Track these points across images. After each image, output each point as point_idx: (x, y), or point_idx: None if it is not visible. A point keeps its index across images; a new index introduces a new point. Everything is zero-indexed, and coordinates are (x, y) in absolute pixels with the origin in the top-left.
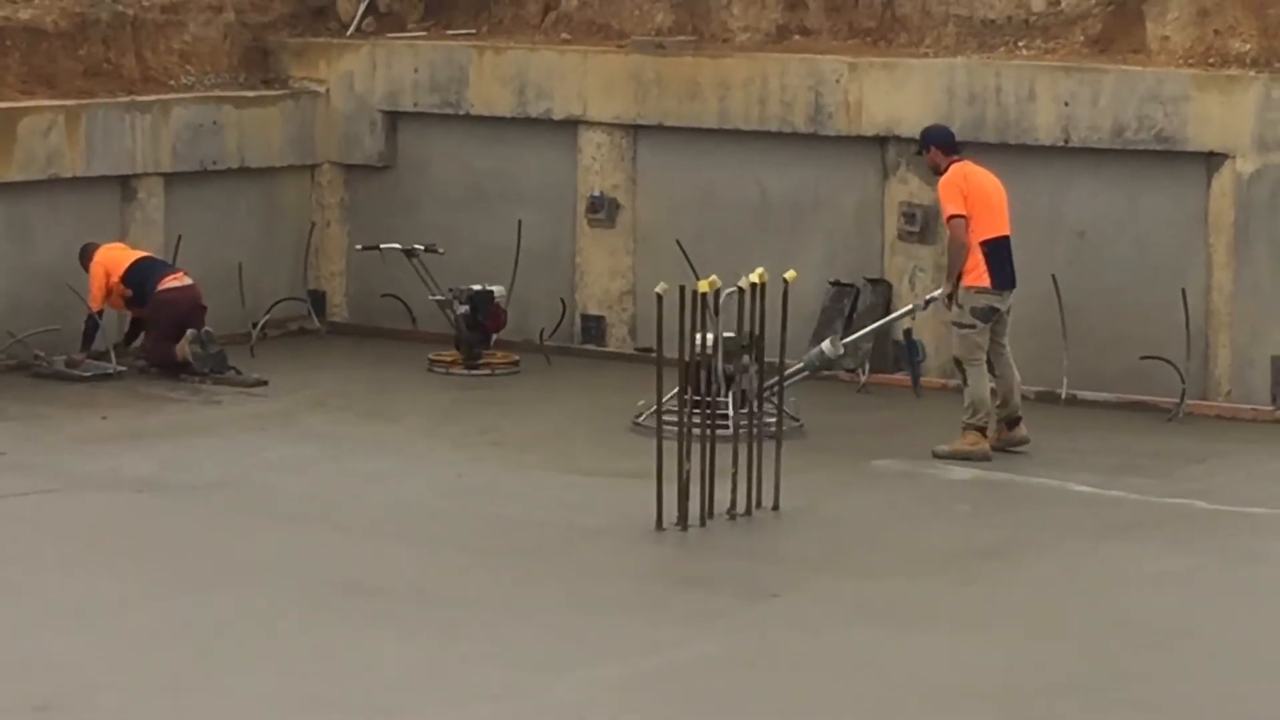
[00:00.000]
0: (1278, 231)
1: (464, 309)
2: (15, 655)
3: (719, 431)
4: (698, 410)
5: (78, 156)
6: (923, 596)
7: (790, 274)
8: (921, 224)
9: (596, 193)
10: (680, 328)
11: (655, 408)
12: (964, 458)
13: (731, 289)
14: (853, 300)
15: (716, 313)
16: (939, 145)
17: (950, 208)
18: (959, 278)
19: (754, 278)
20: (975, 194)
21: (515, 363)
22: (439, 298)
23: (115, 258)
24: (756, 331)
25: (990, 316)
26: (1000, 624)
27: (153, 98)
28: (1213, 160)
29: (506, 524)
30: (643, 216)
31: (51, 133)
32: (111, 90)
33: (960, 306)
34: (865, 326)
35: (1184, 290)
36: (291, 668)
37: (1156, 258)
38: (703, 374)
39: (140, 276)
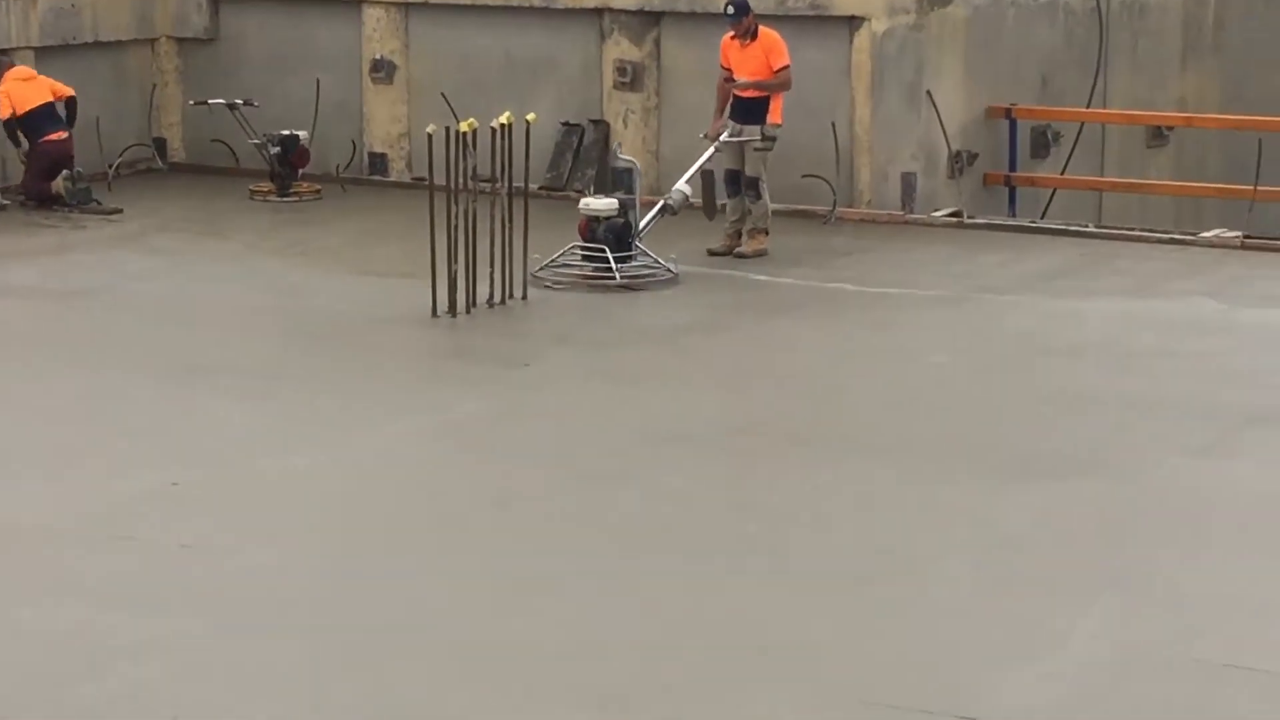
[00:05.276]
0: (903, 77)
1: (276, 150)
2: None
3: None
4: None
5: None
6: (642, 362)
7: (531, 116)
8: (631, 76)
9: (378, 56)
10: (446, 160)
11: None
12: (761, 254)
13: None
14: (580, 137)
15: (474, 148)
16: (751, 12)
17: (787, 59)
18: (765, 114)
19: (502, 119)
20: None
21: (318, 192)
22: (256, 141)
23: (24, 96)
24: (506, 161)
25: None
26: (702, 381)
27: None
28: (854, 22)
29: (316, 315)
30: (415, 75)
31: None
32: None
33: (766, 137)
34: (689, 168)
35: (833, 123)
36: (151, 427)
37: (812, 99)
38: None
39: (34, 125)
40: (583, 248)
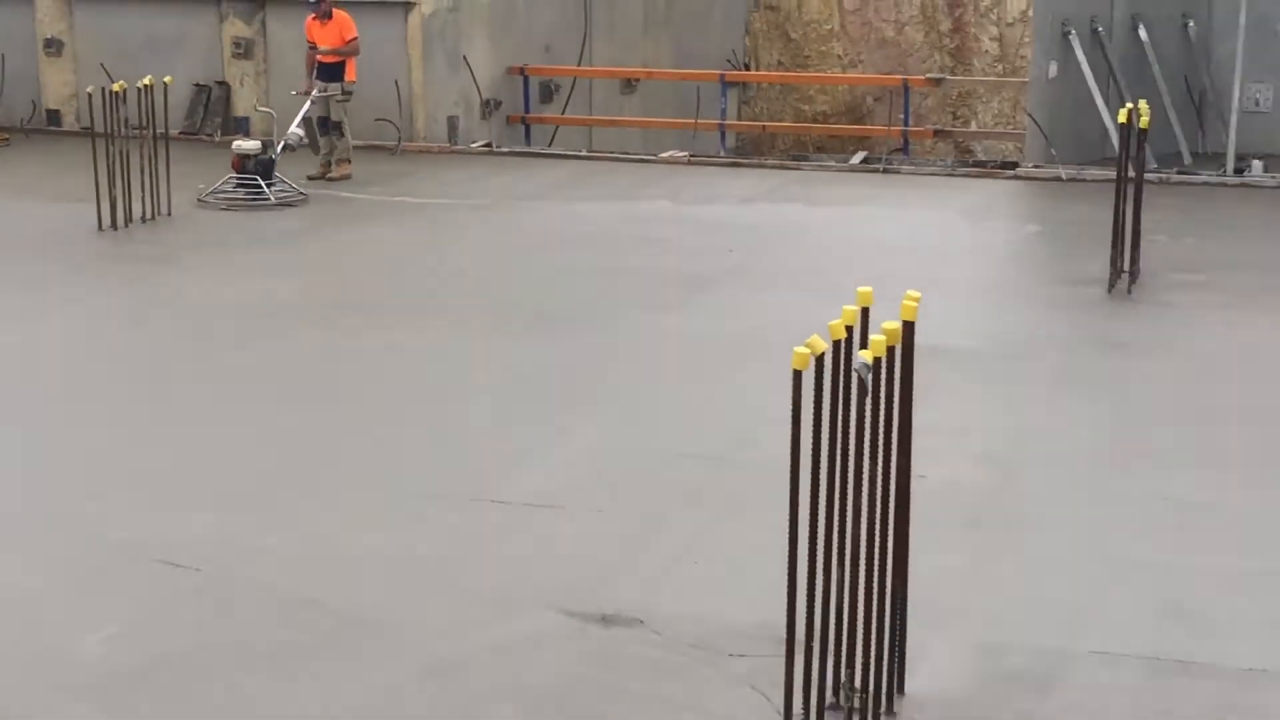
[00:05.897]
0: (446, 46)
1: None
2: None
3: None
4: (243, 187)
5: None
6: (260, 258)
7: (168, 79)
8: (245, 48)
9: (49, 36)
10: (105, 113)
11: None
12: (347, 178)
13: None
14: (208, 94)
15: (125, 103)
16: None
17: (355, 32)
18: (343, 74)
19: (147, 81)
20: None
21: (7, 140)
22: None
23: None
24: (150, 113)
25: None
26: (304, 271)
27: None
28: (408, 6)
29: (2, 232)
30: (79, 49)
31: None
32: None
33: (345, 91)
34: (296, 117)
35: (396, 81)
36: None
37: (380, 63)
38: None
39: None
40: (237, 178)
